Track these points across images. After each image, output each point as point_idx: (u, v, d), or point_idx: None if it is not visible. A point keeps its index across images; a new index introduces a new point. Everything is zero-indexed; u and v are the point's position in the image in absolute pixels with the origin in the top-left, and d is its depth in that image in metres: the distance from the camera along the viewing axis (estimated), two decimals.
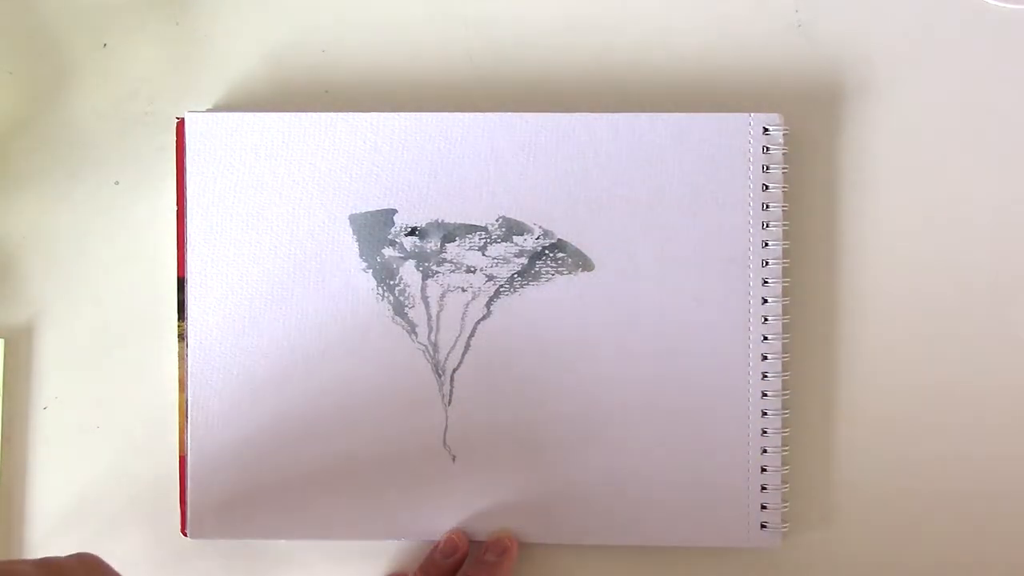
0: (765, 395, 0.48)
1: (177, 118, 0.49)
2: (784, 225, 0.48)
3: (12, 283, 0.50)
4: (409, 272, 0.48)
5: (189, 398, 0.48)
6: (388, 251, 0.49)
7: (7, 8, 0.51)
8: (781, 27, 0.50)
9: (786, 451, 0.48)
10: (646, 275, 0.48)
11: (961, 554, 0.48)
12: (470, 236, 0.49)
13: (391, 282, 0.48)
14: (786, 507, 0.48)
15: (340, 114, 0.49)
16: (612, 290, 0.48)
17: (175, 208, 0.49)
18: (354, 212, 0.49)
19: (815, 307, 0.49)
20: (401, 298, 0.48)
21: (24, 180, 0.50)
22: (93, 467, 0.49)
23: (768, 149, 0.48)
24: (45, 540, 0.49)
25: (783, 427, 0.48)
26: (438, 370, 0.48)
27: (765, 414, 0.48)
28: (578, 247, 0.48)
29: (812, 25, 0.50)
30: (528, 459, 0.48)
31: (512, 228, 0.49)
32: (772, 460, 0.48)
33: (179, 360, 0.49)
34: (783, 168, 0.48)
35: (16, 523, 0.49)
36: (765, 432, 0.48)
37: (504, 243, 0.48)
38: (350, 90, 0.50)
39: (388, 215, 0.49)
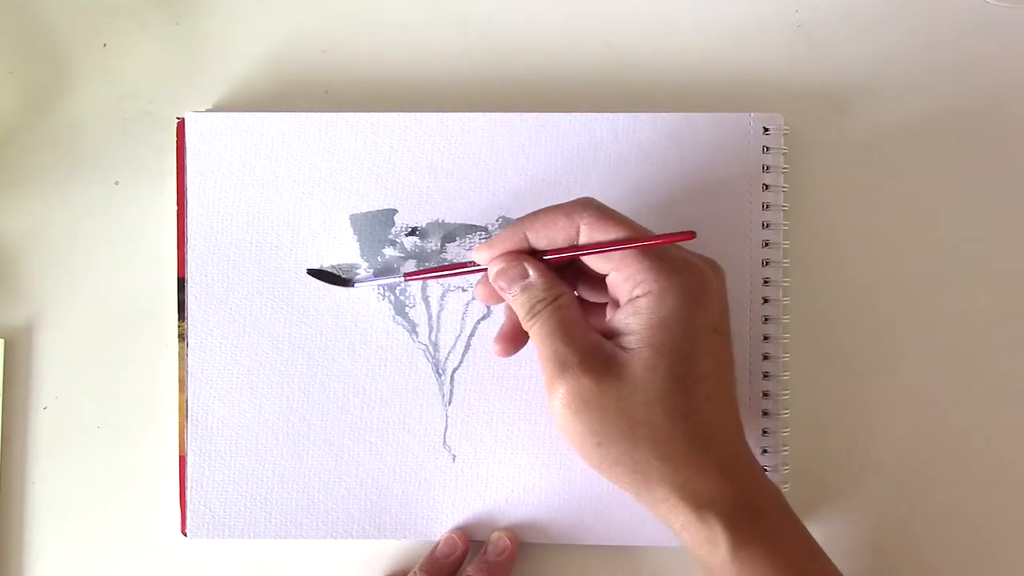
0: (766, 395, 0.48)
1: (177, 118, 0.49)
2: (784, 225, 0.48)
3: (12, 283, 0.50)
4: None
5: (189, 398, 0.48)
6: (388, 251, 0.49)
7: (7, 8, 0.51)
8: (781, 27, 0.50)
9: (786, 451, 0.48)
10: None
11: (962, 552, 0.48)
12: (470, 236, 0.49)
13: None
14: None
15: (340, 114, 0.49)
16: None
17: (175, 208, 0.49)
18: (354, 212, 0.49)
19: (815, 307, 0.49)
20: (402, 298, 0.48)
21: (24, 180, 0.50)
22: (93, 467, 0.49)
23: (768, 149, 0.48)
24: (45, 540, 0.49)
25: (783, 427, 0.48)
26: (438, 370, 0.48)
27: (766, 414, 0.48)
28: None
29: (812, 25, 0.50)
30: (528, 459, 0.48)
31: None
32: (772, 460, 0.48)
33: (179, 360, 0.49)
34: (783, 168, 0.49)
35: (16, 523, 0.49)
36: (766, 432, 0.48)
37: None
38: (350, 90, 0.50)
39: (388, 215, 0.49)
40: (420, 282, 0.48)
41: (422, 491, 0.48)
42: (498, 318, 0.48)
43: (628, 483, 0.40)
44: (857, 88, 0.50)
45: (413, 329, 0.48)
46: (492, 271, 0.42)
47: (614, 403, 0.39)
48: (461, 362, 0.48)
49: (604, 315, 0.44)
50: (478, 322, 0.48)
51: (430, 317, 0.48)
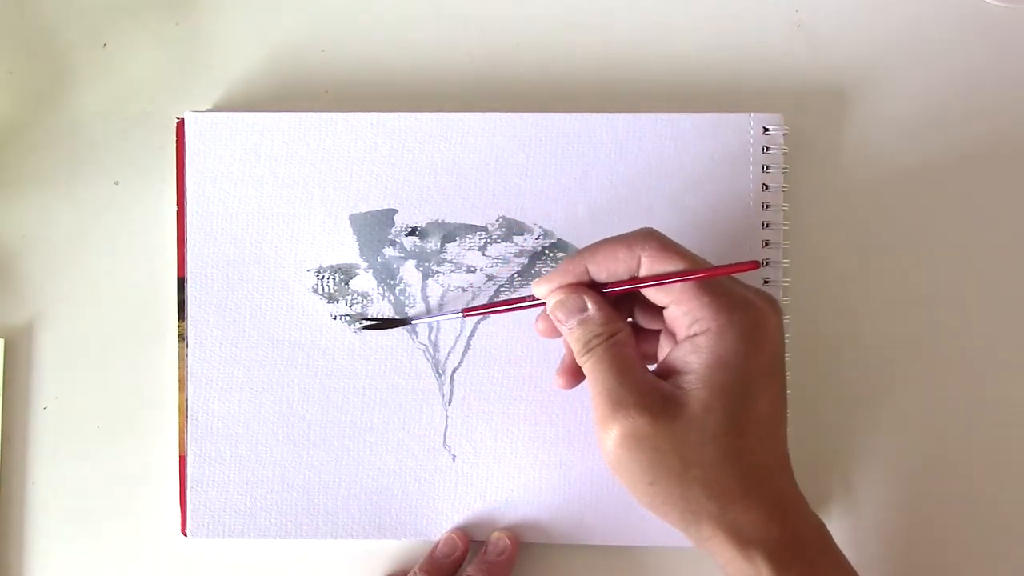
0: None
1: (177, 118, 0.49)
2: (784, 225, 0.48)
3: (12, 283, 0.50)
4: (409, 272, 0.49)
5: (189, 398, 0.48)
6: (388, 251, 0.49)
7: (7, 8, 0.51)
8: (781, 27, 0.50)
9: None
10: None
11: (964, 553, 0.48)
12: (470, 236, 0.49)
13: (391, 282, 0.48)
14: None
15: (340, 114, 0.49)
16: None
17: (175, 208, 0.49)
18: (354, 212, 0.49)
19: (815, 307, 0.49)
20: (402, 298, 0.48)
21: (24, 180, 0.50)
22: (93, 467, 0.49)
23: (768, 149, 0.48)
24: (45, 540, 0.49)
25: None
26: (438, 370, 0.48)
27: None
28: (578, 247, 0.48)
29: (812, 25, 0.50)
30: (528, 459, 0.48)
31: (512, 228, 0.49)
32: None
33: (179, 360, 0.49)
34: (783, 168, 0.49)
35: (16, 523, 0.49)
36: None
37: (504, 243, 0.49)
38: (350, 90, 0.51)
39: (388, 215, 0.49)
40: (420, 282, 0.48)
41: (422, 491, 0.48)
42: (498, 318, 0.48)
43: (676, 520, 0.40)
44: (857, 88, 0.50)
45: (413, 329, 0.48)
46: (550, 303, 0.42)
47: (668, 444, 0.39)
48: (461, 362, 0.48)
49: (658, 341, 0.44)
50: (478, 322, 0.48)
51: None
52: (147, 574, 0.49)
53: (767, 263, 0.48)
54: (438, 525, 0.48)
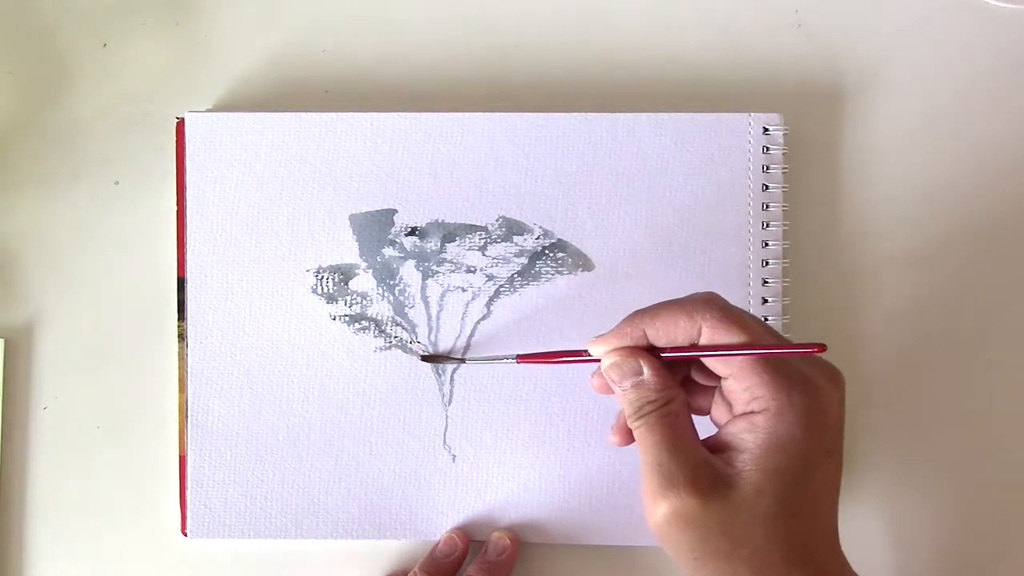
0: None
1: (177, 118, 0.49)
2: (784, 225, 0.48)
3: (12, 283, 0.50)
4: (409, 272, 0.49)
5: (189, 398, 0.48)
6: (388, 251, 0.49)
7: (7, 8, 0.51)
8: (781, 27, 0.50)
9: None
10: (646, 275, 0.48)
11: (967, 557, 0.48)
12: (470, 236, 0.49)
13: (391, 282, 0.48)
14: None
15: (340, 114, 0.49)
16: (612, 290, 0.48)
17: (175, 208, 0.49)
18: (354, 212, 0.49)
19: (815, 307, 0.49)
20: (401, 298, 0.48)
21: (24, 180, 0.50)
22: (93, 467, 0.49)
23: (768, 149, 0.48)
24: (45, 540, 0.49)
25: None
26: (438, 370, 0.48)
27: None
28: (578, 247, 0.48)
29: (812, 25, 0.50)
30: (528, 459, 0.48)
31: (512, 228, 0.49)
32: None
33: (179, 360, 0.49)
34: (783, 168, 0.49)
35: (16, 523, 0.49)
36: None
37: (504, 243, 0.48)
38: (350, 90, 0.51)
39: (388, 215, 0.49)
40: (419, 282, 0.48)
41: (422, 491, 0.48)
42: (498, 318, 0.48)
43: None
44: (857, 88, 0.50)
45: (412, 329, 0.48)
46: (605, 363, 0.41)
47: (717, 525, 0.38)
48: None
49: (713, 396, 0.43)
50: (478, 322, 0.48)
51: (429, 317, 0.48)
52: (147, 574, 0.49)
53: (767, 263, 0.48)
54: (438, 525, 0.48)
